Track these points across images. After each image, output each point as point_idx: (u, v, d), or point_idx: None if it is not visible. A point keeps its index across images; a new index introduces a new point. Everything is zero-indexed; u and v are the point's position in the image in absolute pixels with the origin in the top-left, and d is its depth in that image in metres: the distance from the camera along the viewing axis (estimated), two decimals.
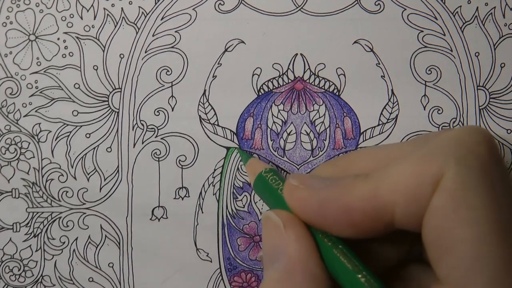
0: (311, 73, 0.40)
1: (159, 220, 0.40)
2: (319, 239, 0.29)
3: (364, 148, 0.34)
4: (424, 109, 0.40)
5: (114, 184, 0.40)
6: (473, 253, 0.25)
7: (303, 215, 0.30)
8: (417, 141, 0.31)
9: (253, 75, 0.40)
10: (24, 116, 0.39)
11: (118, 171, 0.40)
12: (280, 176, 0.34)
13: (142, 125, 0.40)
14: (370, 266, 0.29)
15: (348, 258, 0.28)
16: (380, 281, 0.28)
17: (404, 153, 0.29)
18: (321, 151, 0.40)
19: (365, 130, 0.40)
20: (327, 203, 0.29)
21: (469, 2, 0.40)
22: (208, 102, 0.40)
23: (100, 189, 0.40)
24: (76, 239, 0.40)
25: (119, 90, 0.40)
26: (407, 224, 0.27)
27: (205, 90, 0.40)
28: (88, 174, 0.40)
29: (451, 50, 0.40)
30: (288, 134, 0.40)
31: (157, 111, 0.40)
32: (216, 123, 0.40)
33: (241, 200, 0.40)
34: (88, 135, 0.40)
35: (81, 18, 0.40)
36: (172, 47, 0.40)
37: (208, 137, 0.40)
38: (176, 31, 0.40)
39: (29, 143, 0.39)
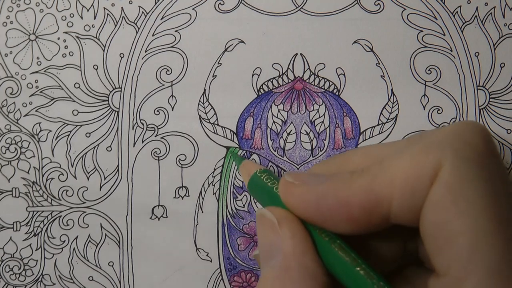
0: (311, 73, 0.40)
1: (159, 219, 0.40)
2: (315, 235, 0.29)
3: (359, 147, 0.34)
4: (424, 109, 0.40)
5: (114, 183, 0.40)
6: (472, 245, 0.25)
7: (299, 212, 0.30)
8: (412, 138, 0.31)
9: (253, 75, 0.40)
10: (24, 116, 0.39)
11: (118, 170, 0.40)
12: (275, 176, 0.34)
13: (142, 124, 0.40)
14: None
15: (347, 252, 0.28)
16: (379, 274, 0.28)
17: (399, 150, 0.29)
18: (321, 151, 0.40)
19: (365, 130, 0.40)
20: (323, 198, 0.28)
21: (469, 2, 0.40)
22: (208, 102, 0.40)
23: (100, 188, 0.40)
24: (76, 238, 0.40)
25: (119, 89, 0.40)
26: (404, 217, 0.27)
27: (205, 90, 0.40)
28: (88, 173, 0.40)
29: (451, 50, 0.40)
30: (288, 134, 0.40)
31: (157, 111, 0.40)
32: (216, 122, 0.40)
33: (241, 199, 0.40)
34: (88, 135, 0.40)
35: (81, 17, 0.39)
36: (172, 46, 0.40)
37: (208, 136, 0.40)
38: (176, 31, 0.40)
39: (29, 142, 0.40)
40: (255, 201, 0.40)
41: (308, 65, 0.40)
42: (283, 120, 0.40)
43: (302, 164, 0.40)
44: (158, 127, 0.40)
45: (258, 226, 0.31)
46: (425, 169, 0.27)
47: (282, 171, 0.40)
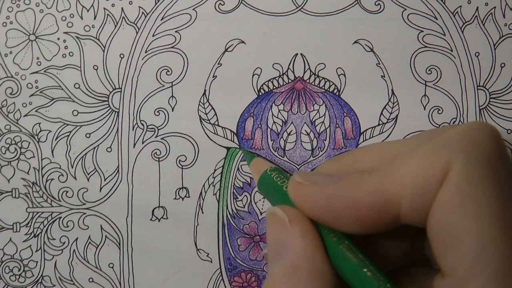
0: (311, 73, 0.40)
1: (159, 220, 0.40)
2: (324, 235, 0.29)
3: (368, 145, 0.34)
4: (424, 109, 0.40)
5: (114, 184, 0.40)
6: (478, 247, 0.25)
7: (309, 211, 0.30)
8: (422, 136, 0.31)
9: (253, 75, 0.40)
10: (24, 116, 0.39)
11: (118, 171, 0.40)
12: (285, 175, 0.34)
13: (142, 125, 0.40)
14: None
15: (354, 253, 0.28)
16: (386, 276, 0.28)
17: (408, 149, 0.29)
18: (321, 151, 0.40)
19: (365, 130, 0.40)
20: (333, 199, 0.28)
21: (469, 2, 0.40)
22: (208, 102, 0.40)
23: (100, 189, 0.40)
24: (76, 239, 0.40)
25: (119, 90, 0.40)
26: (413, 218, 0.27)
27: (205, 90, 0.40)
28: (88, 174, 0.40)
29: (451, 50, 0.40)
30: (288, 134, 0.40)
31: (157, 111, 0.40)
32: (216, 123, 0.40)
33: (241, 200, 0.40)
34: (88, 135, 0.40)
35: (81, 18, 0.40)
36: (172, 47, 0.40)
37: (208, 137, 0.40)
38: (176, 31, 0.40)
39: (29, 143, 0.40)
40: (255, 201, 0.40)
41: (309, 65, 0.40)
42: (284, 120, 0.40)
43: (302, 164, 0.40)
44: (158, 128, 0.40)
45: (269, 224, 0.31)
46: (435, 170, 0.27)
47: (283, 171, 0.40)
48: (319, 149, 0.40)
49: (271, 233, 0.30)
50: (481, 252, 0.25)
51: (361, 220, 0.28)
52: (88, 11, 0.40)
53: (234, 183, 0.40)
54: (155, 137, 0.40)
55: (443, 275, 0.27)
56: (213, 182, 0.40)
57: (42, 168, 0.40)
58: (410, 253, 0.32)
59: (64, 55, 0.40)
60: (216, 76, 0.40)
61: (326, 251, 0.29)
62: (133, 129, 0.40)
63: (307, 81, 0.40)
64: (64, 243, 0.40)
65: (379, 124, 0.40)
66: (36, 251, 0.40)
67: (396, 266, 0.32)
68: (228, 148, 0.40)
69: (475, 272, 0.25)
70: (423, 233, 0.28)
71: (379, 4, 0.40)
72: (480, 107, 0.40)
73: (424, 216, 0.27)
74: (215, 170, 0.40)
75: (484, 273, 0.25)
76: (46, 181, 0.40)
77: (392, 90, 0.40)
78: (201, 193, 0.40)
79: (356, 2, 0.40)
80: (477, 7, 0.40)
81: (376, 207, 0.28)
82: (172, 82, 0.40)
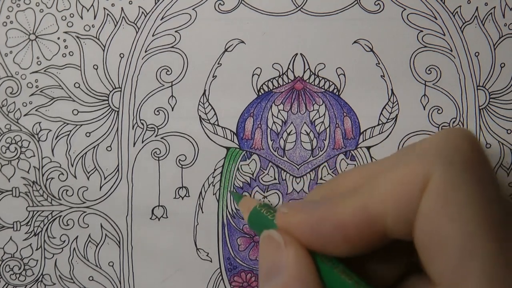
0: (311, 73, 0.40)
1: (159, 219, 0.40)
2: (318, 260, 0.30)
3: (350, 169, 0.34)
4: (424, 109, 0.40)
5: (114, 183, 0.40)
6: (462, 249, 0.25)
7: (299, 239, 0.30)
8: (401, 152, 0.31)
9: (253, 75, 0.40)
10: (24, 115, 0.40)
11: (118, 170, 0.40)
12: (273, 209, 0.34)
13: (142, 124, 0.40)
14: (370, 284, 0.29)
15: (349, 275, 0.28)
16: None
17: (389, 165, 0.29)
18: (321, 151, 0.40)
19: (365, 130, 0.40)
20: (320, 223, 0.29)
21: (469, 2, 0.40)
22: (208, 102, 0.40)
23: (100, 188, 0.40)
24: (76, 238, 0.40)
25: (119, 89, 0.40)
26: (400, 231, 0.27)
27: (205, 90, 0.40)
28: (88, 173, 0.40)
29: (451, 50, 0.40)
30: (288, 134, 0.40)
31: (157, 111, 0.40)
32: (216, 123, 0.40)
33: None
34: (88, 134, 0.40)
35: (81, 17, 0.40)
36: (172, 47, 0.40)
37: (208, 137, 0.40)
38: (176, 31, 0.40)
39: (29, 142, 0.40)
40: None
41: (308, 65, 0.40)
42: (283, 120, 0.40)
43: (302, 164, 0.40)
44: (158, 127, 0.40)
45: (262, 246, 0.31)
46: (415, 179, 0.27)
47: (283, 171, 0.40)
48: (319, 149, 0.40)
49: (264, 254, 0.31)
50: (466, 254, 0.25)
51: (349, 240, 0.28)
52: (88, 10, 0.40)
53: (234, 183, 0.40)
54: (155, 137, 0.40)
55: (434, 284, 0.27)
56: (213, 182, 0.40)
57: (42, 167, 0.40)
58: (406, 270, 0.32)
59: (64, 55, 0.40)
60: (216, 76, 0.40)
61: (320, 275, 0.29)
62: (133, 128, 0.40)
63: (307, 81, 0.40)
64: (64, 241, 0.40)
65: (378, 124, 0.40)
66: (36, 249, 0.40)
67: (392, 281, 0.32)
68: (228, 148, 0.40)
69: (462, 275, 0.25)
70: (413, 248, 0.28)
71: (378, 4, 0.40)
72: (480, 107, 0.40)
73: (410, 228, 0.27)
74: (215, 170, 0.40)
75: (472, 275, 0.25)
76: (46, 180, 0.40)
77: (392, 90, 0.40)
78: (201, 192, 0.40)
79: (356, 2, 0.40)
80: (477, 7, 0.40)
81: (362, 226, 0.28)
82: (172, 82, 0.40)
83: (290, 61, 0.40)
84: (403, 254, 0.31)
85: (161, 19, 0.40)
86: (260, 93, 0.40)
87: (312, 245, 0.29)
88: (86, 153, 0.40)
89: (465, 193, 0.26)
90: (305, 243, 0.29)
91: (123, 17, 0.40)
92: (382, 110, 0.40)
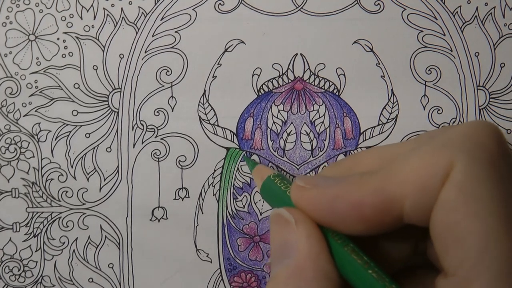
0: (311, 73, 0.40)
1: (159, 220, 0.40)
2: (329, 237, 0.29)
3: (368, 149, 0.34)
4: (424, 109, 0.40)
5: (114, 184, 0.40)
6: (481, 246, 0.25)
7: (312, 214, 0.30)
8: (422, 137, 0.31)
9: (253, 75, 0.40)
10: (24, 116, 0.39)
11: (118, 171, 0.40)
12: (288, 180, 0.34)
13: (142, 125, 0.40)
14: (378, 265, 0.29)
15: (359, 255, 0.28)
16: (390, 277, 0.28)
17: (409, 149, 0.29)
18: (321, 151, 0.40)
19: (365, 130, 0.40)
20: (336, 201, 0.28)
21: (469, 2, 0.40)
22: (208, 103, 0.40)
23: (100, 189, 0.40)
24: (76, 239, 0.40)
25: (119, 90, 0.40)
26: (416, 217, 0.27)
27: (205, 90, 0.40)
28: (88, 174, 0.40)
29: (451, 50, 0.40)
30: (288, 134, 0.40)
31: (157, 111, 0.40)
32: (216, 123, 0.40)
33: (241, 200, 0.40)
34: (88, 135, 0.40)
35: (81, 18, 0.40)
36: (172, 47, 0.40)
37: (208, 137, 0.40)
38: (176, 31, 0.40)
39: (29, 142, 0.40)
40: (255, 202, 0.40)
41: (308, 65, 0.40)
42: (283, 120, 0.40)
43: (302, 164, 0.40)
44: (158, 128, 0.40)
45: (273, 225, 0.31)
46: (437, 169, 0.27)
47: (283, 171, 0.40)
48: (319, 149, 0.40)
49: (275, 234, 0.30)
50: (485, 252, 0.25)
51: (365, 220, 0.28)
52: (87, 11, 0.40)
53: (234, 184, 0.40)
54: (155, 137, 0.40)
55: (446, 274, 0.27)
56: (212, 183, 0.40)
57: (41, 168, 0.40)
58: (414, 254, 0.32)
59: (63, 55, 0.40)
60: (216, 76, 0.40)
61: (331, 253, 0.29)
62: (132, 129, 0.40)
63: (307, 81, 0.40)
64: (64, 243, 0.40)
65: (379, 124, 0.40)
66: (36, 251, 0.40)
67: (400, 266, 0.32)
68: (228, 149, 0.40)
69: (478, 272, 0.25)
70: (426, 234, 0.28)
71: (378, 4, 0.40)
72: (480, 107, 0.40)
73: (427, 215, 0.27)
74: (214, 171, 0.40)
75: (488, 272, 0.25)
76: (46, 181, 0.40)
77: (392, 90, 0.40)
78: (200, 193, 0.40)
79: (356, 2, 0.40)
80: (477, 7, 0.40)
81: (379, 206, 0.28)
82: (172, 82, 0.40)
83: (290, 61, 0.40)
84: (414, 239, 0.31)
85: (161, 20, 0.40)
86: (260, 93, 0.40)
87: (325, 221, 0.29)
88: (85, 154, 0.40)
89: (487, 189, 0.26)
90: (318, 219, 0.29)
91: (123, 17, 0.40)
92: (382, 110, 0.40)
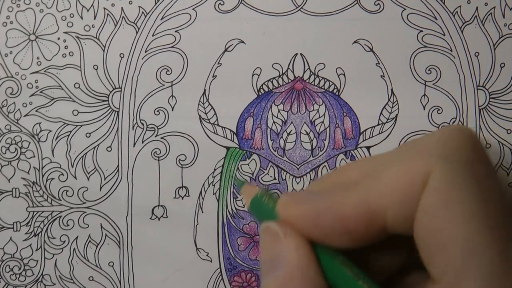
0: (311, 73, 0.40)
1: (159, 219, 0.40)
2: (318, 250, 0.29)
3: (353, 161, 0.34)
4: (424, 109, 0.40)
5: (114, 183, 0.40)
6: (465, 250, 0.25)
7: (299, 229, 0.30)
8: (402, 147, 0.31)
9: (253, 75, 0.40)
10: (24, 116, 0.40)
11: (118, 170, 0.40)
12: (275, 197, 0.34)
13: (142, 124, 0.40)
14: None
15: (349, 266, 0.28)
16: (381, 287, 0.28)
17: (390, 160, 0.29)
18: (321, 151, 0.40)
19: (365, 130, 0.40)
20: (320, 214, 0.28)
21: (468, 2, 0.40)
22: (208, 102, 0.40)
23: (100, 188, 0.40)
24: (76, 238, 0.40)
25: (119, 89, 0.40)
26: (400, 227, 0.27)
27: (205, 90, 0.40)
28: (88, 173, 0.40)
29: (451, 50, 0.40)
30: (288, 134, 0.40)
31: (157, 111, 0.40)
32: (216, 123, 0.40)
33: (241, 199, 0.40)
34: (88, 135, 0.40)
35: (81, 17, 0.40)
36: (172, 46, 0.40)
37: (208, 136, 0.40)
38: (176, 31, 0.40)
39: (30, 142, 0.40)
40: None
41: (308, 65, 0.40)
42: (283, 120, 0.40)
43: (302, 164, 0.40)
44: (158, 127, 0.40)
45: (262, 237, 0.31)
46: (415, 176, 0.27)
47: (283, 171, 0.40)
48: (319, 149, 0.40)
49: (264, 247, 0.31)
50: (468, 254, 0.25)
51: (349, 233, 0.28)
52: (88, 11, 0.40)
53: (234, 183, 0.40)
54: (155, 137, 0.40)
55: (433, 281, 0.27)
56: (213, 182, 0.40)
57: (42, 168, 0.40)
58: (406, 259, 0.32)
59: (64, 55, 0.40)
60: (216, 76, 0.40)
61: (320, 265, 0.29)
62: (133, 129, 0.40)
63: (307, 81, 0.40)
64: (64, 242, 0.40)
65: (378, 124, 0.40)
66: (36, 250, 0.40)
67: (391, 275, 0.32)
68: (227, 148, 0.40)
69: (464, 275, 0.25)
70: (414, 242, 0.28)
71: (378, 4, 0.40)
72: (480, 107, 0.40)
73: (410, 223, 0.27)
74: (214, 170, 0.40)
75: (474, 275, 0.25)
76: (46, 180, 0.40)
77: (392, 90, 0.40)
78: (201, 192, 0.40)
79: (356, 2, 0.40)
80: (477, 7, 0.40)
81: (362, 219, 0.28)
82: (172, 82, 0.40)
83: (290, 61, 0.40)
84: (403, 248, 0.31)
85: (161, 19, 0.40)
86: (260, 93, 0.40)
87: (312, 235, 0.29)
88: (86, 153, 0.40)
89: (466, 192, 0.26)
90: (305, 233, 0.29)
91: (123, 17, 0.40)
92: (382, 110, 0.40)
